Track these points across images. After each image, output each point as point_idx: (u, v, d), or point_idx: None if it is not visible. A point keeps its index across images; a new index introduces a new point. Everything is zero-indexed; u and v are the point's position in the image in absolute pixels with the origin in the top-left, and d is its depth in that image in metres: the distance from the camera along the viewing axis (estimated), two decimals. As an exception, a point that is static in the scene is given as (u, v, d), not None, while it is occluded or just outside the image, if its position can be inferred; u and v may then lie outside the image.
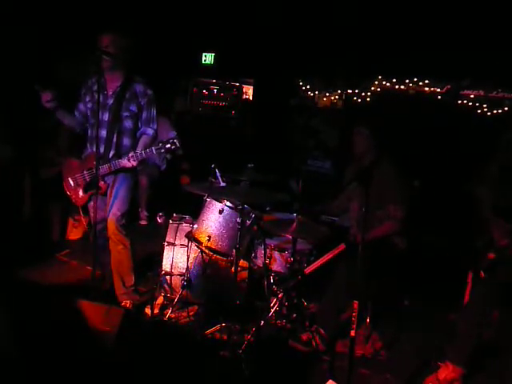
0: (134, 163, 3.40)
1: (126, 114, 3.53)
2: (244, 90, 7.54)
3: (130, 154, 3.38)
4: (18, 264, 4.01)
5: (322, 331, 3.33)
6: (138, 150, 3.41)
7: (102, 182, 3.50)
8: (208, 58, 7.70)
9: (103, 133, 3.49)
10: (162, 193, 5.95)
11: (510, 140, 3.08)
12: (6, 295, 2.70)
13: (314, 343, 3.31)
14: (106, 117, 3.52)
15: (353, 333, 2.43)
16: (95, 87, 3.45)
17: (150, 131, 3.60)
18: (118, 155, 3.49)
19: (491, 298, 2.98)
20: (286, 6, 6.47)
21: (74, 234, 5.15)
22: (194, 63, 7.63)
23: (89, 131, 3.62)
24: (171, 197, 5.34)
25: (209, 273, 3.69)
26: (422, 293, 4.36)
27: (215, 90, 7.38)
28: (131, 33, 3.59)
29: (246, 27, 6.82)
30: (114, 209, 3.53)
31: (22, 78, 5.36)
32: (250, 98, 7.60)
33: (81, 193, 3.61)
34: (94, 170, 3.32)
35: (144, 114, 3.59)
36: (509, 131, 3.17)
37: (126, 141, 3.56)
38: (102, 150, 3.47)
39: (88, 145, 3.63)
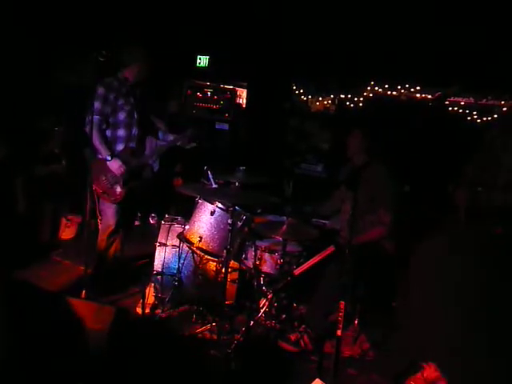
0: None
1: (148, 112, 4.02)
2: (238, 93, 7.57)
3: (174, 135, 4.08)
4: (10, 263, 4.03)
5: (310, 332, 3.38)
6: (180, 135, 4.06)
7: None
8: (203, 60, 7.73)
9: (134, 131, 3.87)
10: (154, 194, 5.97)
11: (491, 140, 3.14)
12: (1, 295, 2.72)
13: (302, 343, 3.36)
14: (136, 116, 3.87)
15: (339, 332, 2.48)
16: (124, 90, 3.80)
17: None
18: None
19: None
20: (281, 10, 6.53)
21: (67, 233, 5.17)
22: (189, 65, 7.66)
23: (121, 131, 3.83)
24: (164, 198, 5.37)
25: (200, 273, 3.73)
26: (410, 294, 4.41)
27: (209, 93, 7.40)
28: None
29: (240, 30, 6.87)
30: None
31: (18, 77, 5.38)
32: (244, 101, 7.64)
33: (118, 189, 3.76)
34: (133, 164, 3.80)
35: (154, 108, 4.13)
36: (490, 133, 3.23)
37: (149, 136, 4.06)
38: (133, 145, 3.88)
39: (124, 143, 3.85)
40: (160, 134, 4.12)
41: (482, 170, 3.09)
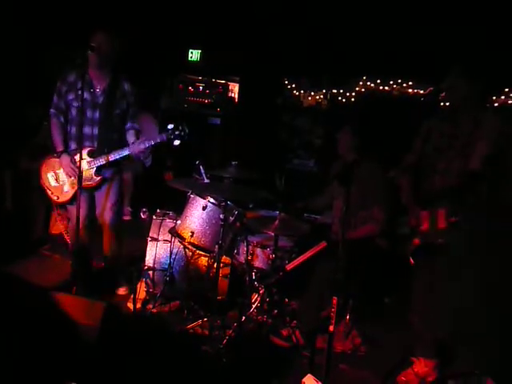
0: (145, 147, 3.52)
1: (117, 111, 3.64)
2: (230, 88, 7.53)
3: (141, 139, 3.55)
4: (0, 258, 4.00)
5: (302, 327, 3.39)
6: (148, 139, 3.54)
7: (99, 176, 3.61)
8: (194, 54, 7.68)
9: (95, 130, 3.58)
10: (145, 188, 5.95)
11: (429, 129, 3.15)
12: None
13: (294, 339, 3.36)
14: (96, 115, 3.57)
15: (331, 328, 2.48)
16: (79, 85, 3.43)
17: (137, 126, 3.77)
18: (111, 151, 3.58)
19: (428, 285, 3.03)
20: (273, 4, 6.50)
21: (57, 228, 5.13)
22: (180, 60, 7.61)
23: (73, 129, 3.60)
24: (155, 192, 5.35)
25: (191, 268, 3.72)
26: (402, 290, 4.42)
27: (201, 88, 7.36)
28: (118, 30, 3.63)
29: (233, 24, 6.83)
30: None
31: (6, 70, 5.32)
32: (236, 95, 7.61)
33: (65, 188, 3.63)
34: (88, 164, 3.52)
35: (131, 111, 3.74)
36: (429, 121, 3.23)
37: (117, 136, 3.67)
38: (95, 146, 3.59)
39: (72, 142, 3.62)
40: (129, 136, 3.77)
41: (422, 157, 3.10)
